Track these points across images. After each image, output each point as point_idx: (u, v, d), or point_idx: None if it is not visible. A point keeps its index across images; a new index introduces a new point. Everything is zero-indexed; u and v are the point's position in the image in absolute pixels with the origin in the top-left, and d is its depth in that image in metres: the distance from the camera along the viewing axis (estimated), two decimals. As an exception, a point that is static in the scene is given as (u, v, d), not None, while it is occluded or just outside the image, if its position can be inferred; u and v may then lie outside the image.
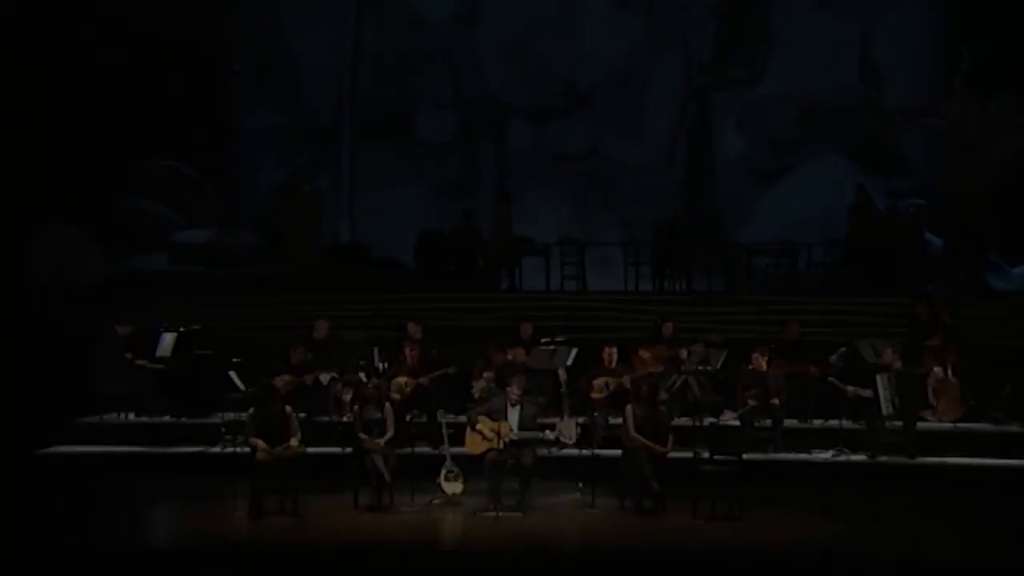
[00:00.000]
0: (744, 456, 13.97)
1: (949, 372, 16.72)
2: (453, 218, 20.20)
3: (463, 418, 15.73)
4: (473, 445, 14.62)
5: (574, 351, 16.17)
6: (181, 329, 17.20)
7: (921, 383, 15.86)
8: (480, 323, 18.31)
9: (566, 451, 15.41)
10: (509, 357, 16.29)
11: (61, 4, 19.96)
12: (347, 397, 16.30)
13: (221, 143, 20.67)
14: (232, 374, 15.71)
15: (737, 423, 15.56)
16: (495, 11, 20.92)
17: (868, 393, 15.62)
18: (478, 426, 14.36)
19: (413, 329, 16.75)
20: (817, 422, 16.54)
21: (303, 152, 20.78)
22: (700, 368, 16.15)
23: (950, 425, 16.66)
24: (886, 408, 15.66)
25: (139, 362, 16.83)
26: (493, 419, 14.04)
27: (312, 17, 21.07)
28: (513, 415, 13.98)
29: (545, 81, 20.98)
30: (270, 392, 13.95)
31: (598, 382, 16.05)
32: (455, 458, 14.19)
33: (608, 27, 20.78)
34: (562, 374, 16.05)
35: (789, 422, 16.22)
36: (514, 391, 14.07)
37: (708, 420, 15.80)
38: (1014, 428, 16.55)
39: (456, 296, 18.94)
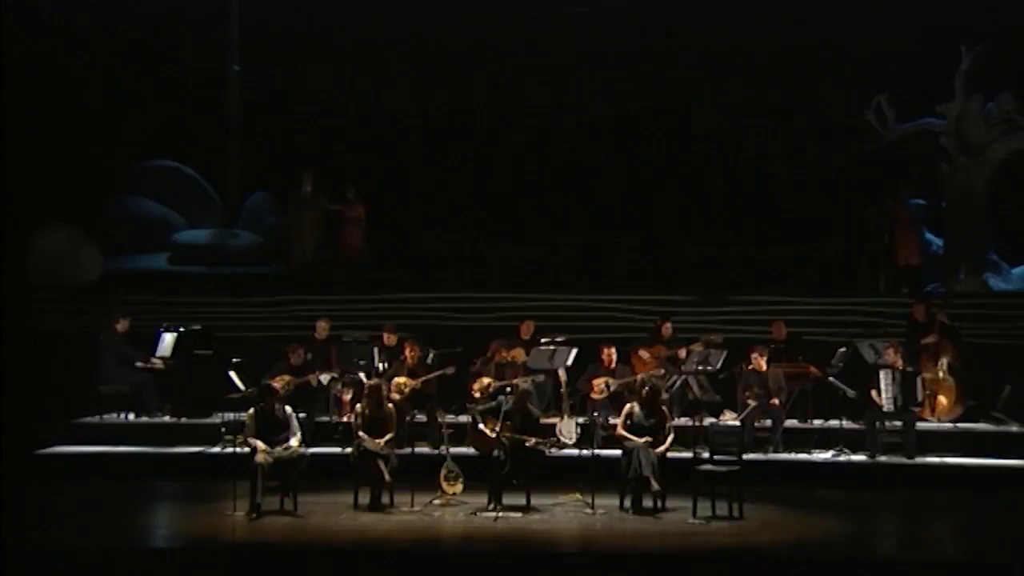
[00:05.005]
0: (744, 456, 13.98)
1: (944, 371, 16.75)
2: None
3: (463, 418, 15.79)
4: (475, 445, 14.67)
5: (574, 351, 16.19)
6: (181, 329, 17.20)
7: (912, 382, 15.86)
8: (480, 323, 18.33)
9: (566, 451, 15.42)
10: (509, 357, 16.30)
11: (62, 5, 19.99)
12: (347, 397, 16.32)
13: (220, 143, 20.67)
14: (232, 374, 15.72)
15: (737, 423, 15.56)
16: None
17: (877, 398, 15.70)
18: (479, 426, 14.39)
19: (388, 337, 16.74)
20: (817, 422, 16.55)
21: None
22: (700, 368, 16.16)
23: (950, 425, 16.69)
24: (887, 405, 15.68)
25: (139, 364, 16.85)
26: (494, 418, 14.05)
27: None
28: (514, 415, 13.98)
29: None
30: (270, 392, 13.94)
31: (598, 382, 16.08)
32: (455, 458, 14.19)
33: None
34: (562, 374, 16.06)
35: (789, 422, 16.24)
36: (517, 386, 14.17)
37: (708, 420, 15.80)
38: (1014, 428, 16.57)
39: (456, 296, 18.95)
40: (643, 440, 13.61)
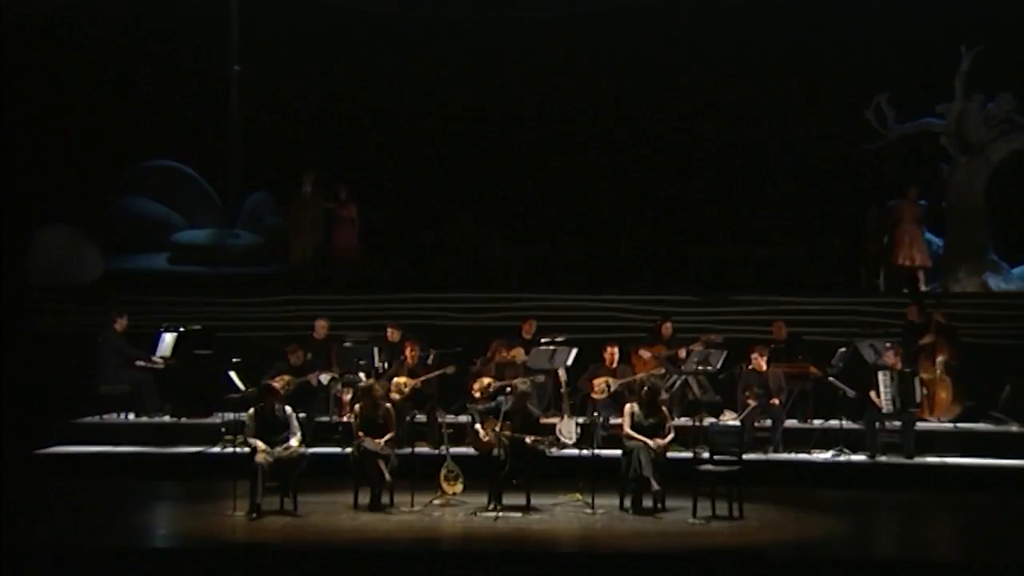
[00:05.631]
0: (744, 456, 13.97)
1: (942, 371, 16.75)
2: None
3: (463, 418, 15.78)
4: (475, 445, 14.65)
5: (574, 351, 16.19)
6: (181, 329, 17.20)
7: (910, 383, 15.88)
8: (480, 323, 18.34)
9: (566, 451, 15.42)
10: (509, 357, 16.30)
11: (62, 5, 20.00)
12: (347, 397, 16.32)
13: (220, 143, 20.69)
14: (232, 374, 15.71)
15: (737, 423, 15.56)
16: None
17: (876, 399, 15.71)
18: (477, 424, 14.39)
19: (391, 333, 16.76)
20: (817, 422, 16.55)
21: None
22: (700, 368, 16.16)
23: (950, 425, 16.68)
24: (886, 407, 15.69)
25: (139, 363, 16.84)
26: (494, 418, 14.05)
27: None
28: (514, 415, 13.99)
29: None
30: (270, 392, 13.94)
31: (599, 382, 16.07)
32: (455, 458, 14.19)
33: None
34: (562, 374, 16.06)
35: (789, 422, 16.24)
36: (516, 387, 14.17)
37: (708, 420, 15.80)
38: (1014, 428, 16.57)
39: (456, 296, 18.95)
40: (654, 442, 13.61)
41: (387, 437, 13.78)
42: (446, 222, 20.51)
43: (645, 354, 16.78)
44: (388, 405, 14.17)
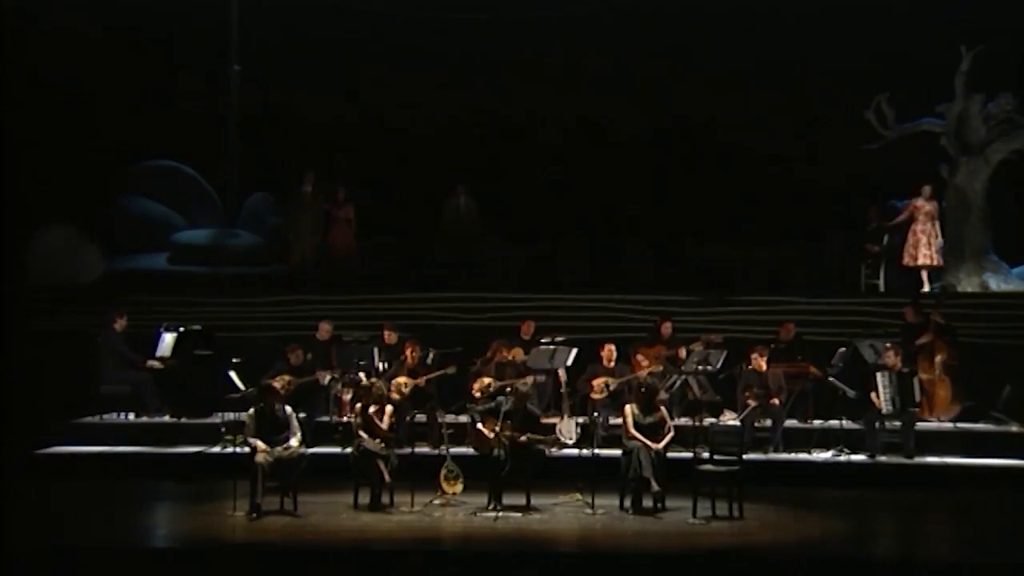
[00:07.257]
0: (744, 456, 13.97)
1: (940, 371, 16.75)
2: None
3: (463, 418, 15.78)
4: (475, 444, 14.64)
5: (574, 351, 16.19)
6: (181, 329, 17.20)
7: (909, 383, 15.88)
8: (480, 323, 18.33)
9: (566, 451, 15.42)
10: (509, 357, 16.30)
11: (62, 5, 20.00)
12: (347, 397, 16.32)
13: (220, 143, 20.69)
14: (232, 374, 15.71)
15: (737, 423, 15.56)
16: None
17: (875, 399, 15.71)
18: (479, 425, 14.39)
19: (388, 335, 16.76)
20: (817, 422, 16.55)
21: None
22: (700, 368, 16.16)
23: (950, 425, 16.69)
24: (886, 407, 15.69)
25: (139, 363, 16.84)
26: (494, 418, 14.05)
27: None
28: (514, 415, 13.99)
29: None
30: (270, 392, 13.93)
31: (598, 382, 16.07)
32: (455, 458, 14.19)
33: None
34: (562, 374, 16.06)
35: (789, 422, 16.24)
36: (516, 388, 14.18)
37: (708, 420, 15.80)
38: (1014, 428, 16.57)
39: (456, 296, 18.95)
40: (665, 442, 13.63)
41: (383, 439, 13.73)
42: (446, 195, 20.44)
43: (645, 354, 16.77)
44: (387, 405, 14.14)
